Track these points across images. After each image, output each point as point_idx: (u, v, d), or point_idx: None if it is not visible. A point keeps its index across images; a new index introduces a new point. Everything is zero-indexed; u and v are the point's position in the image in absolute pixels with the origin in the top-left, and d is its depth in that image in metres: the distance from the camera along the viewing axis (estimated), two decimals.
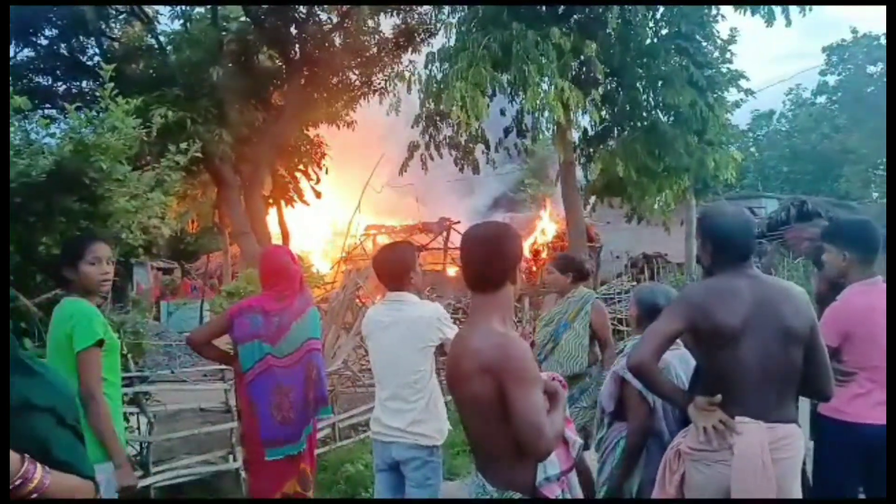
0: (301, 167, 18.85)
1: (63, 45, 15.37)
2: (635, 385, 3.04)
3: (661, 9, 12.97)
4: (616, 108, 13.61)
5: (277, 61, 16.88)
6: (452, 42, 12.31)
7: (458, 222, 21.20)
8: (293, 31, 16.14)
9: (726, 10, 13.86)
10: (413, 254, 3.68)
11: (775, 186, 36.90)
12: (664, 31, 13.52)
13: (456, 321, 10.03)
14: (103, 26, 15.54)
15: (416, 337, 3.46)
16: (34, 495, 1.40)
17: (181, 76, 13.77)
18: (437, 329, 3.46)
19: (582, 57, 11.85)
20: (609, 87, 13.54)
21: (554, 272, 4.87)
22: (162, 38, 15.75)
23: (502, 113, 14.04)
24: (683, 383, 2.91)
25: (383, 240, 20.47)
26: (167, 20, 15.84)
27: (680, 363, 3.06)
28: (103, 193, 4.27)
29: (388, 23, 16.67)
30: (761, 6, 11.58)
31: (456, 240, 20.57)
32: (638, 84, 13.30)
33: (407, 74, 14.67)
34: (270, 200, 18.56)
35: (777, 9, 11.49)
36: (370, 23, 16.48)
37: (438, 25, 15.20)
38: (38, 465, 1.43)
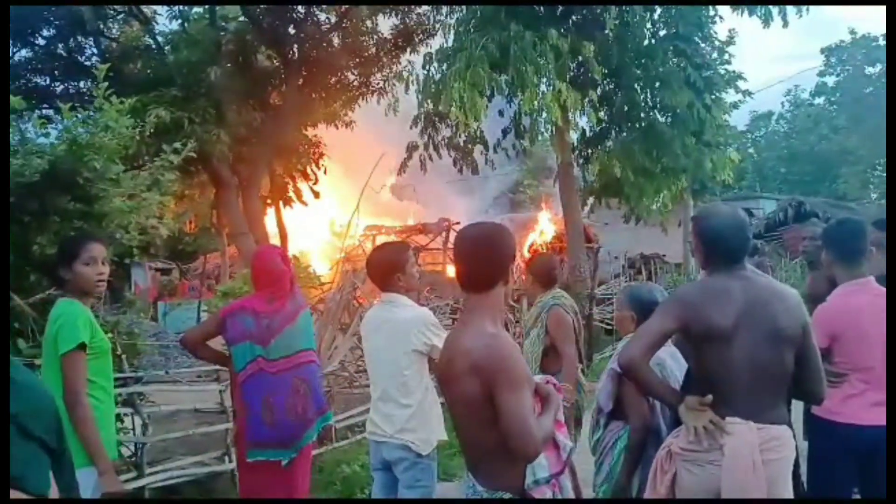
0: (299, 167, 18.84)
1: (61, 46, 15.36)
2: None
3: (659, 10, 12.97)
4: (614, 109, 13.61)
5: (275, 61, 16.86)
6: (451, 43, 12.30)
7: (458, 223, 21.18)
8: (291, 31, 16.13)
9: (724, 11, 13.88)
10: (403, 254, 3.61)
11: (773, 187, 36.96)
12: (662, 33, 13.53)
13: (454, 321, 10.06)
14: (101, 26, 15.54)
15: (400, 340, 3.43)
16: None
17: (179, 76, 13.75)
18: (422, 334, 3.40)
19: (580, 58, 11.85)
20: (607, 88, 13.55)
21: (528, 276, 4.85)
22: (160, 39, 15.75)
23: (500, 114, 14.04)
24: (677, 380, 2.90)
25: (382, 240, 20.47)
26: (165, 20, 15.85)
27: (673, 360, 3.06)
28: (98, 193, 4.27)
29: (386, 23, 16.68)
30: (758, 7, 11.58)
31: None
32: (636, 85, 13.30)
33: (405, 75, 14.69)
34: (268, 201, 18.55)
35: (774, 10, 11.49)
36: (368, 23, 16.47)
37: (437, 26, 15.19)
38: None
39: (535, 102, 11.06)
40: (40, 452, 1.45)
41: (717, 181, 14.70)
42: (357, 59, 16.68)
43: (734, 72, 15.30)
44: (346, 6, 15.86)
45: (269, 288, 3.62)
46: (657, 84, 12.80)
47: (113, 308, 6.29)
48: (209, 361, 4.19)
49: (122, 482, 3.14)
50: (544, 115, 11.53)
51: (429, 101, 12.21)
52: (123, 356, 4.65)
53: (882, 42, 34.79)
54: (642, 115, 13.53)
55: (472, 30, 11.90)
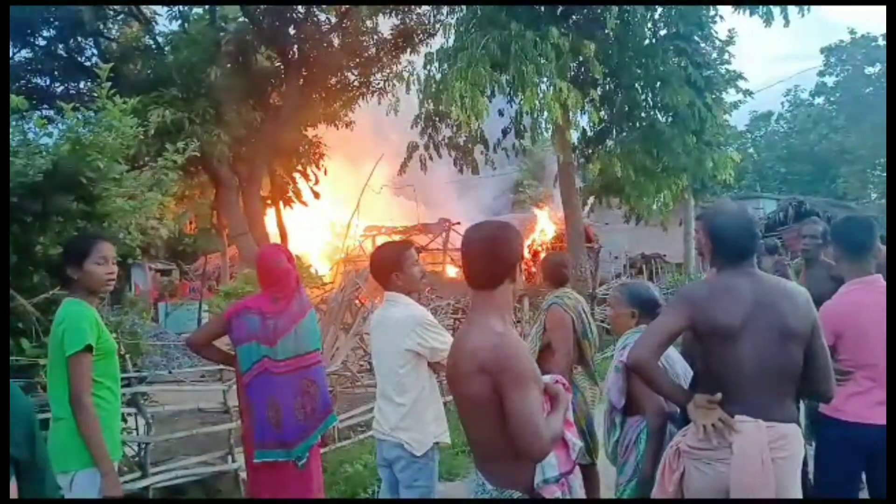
0: (299, 168, 18.85)
1: (61, 46, 15.37)
2: None
3: (660, 9, 12.98)
4: (614, 108, 13.62)
5: (276, 62, 16.88)
6: (451, 42, 12.29)
7: (458, 223, 21.21)
8: (291, 31, 16.14)
9: (725, 10, 13.90)
10: (402, 254, 3.58)
11: (773, 187, 36.97)
12: (662, 32, 13.53)
13: (455, 321, 10.06)
14: (101, 27, 15.54)
15: (394, 339, 3.43)
16: None
17: (179, 76, 13.76)
18: (415, 334, 3.38)
19: (580, 57, 11.85)
20: (607, 88, 13.55)
21: (539, 275, 4.83)
22: (160, 39, 15.76)
23: (501, 113, 14.03)
24: (676, 375, 2.90)
25: (382, 240, 20.47)
26: (165, 21, 15.86)
27: (677, 356, 3.05)
28: (100, 193, 4.26)
29: (386, 23, 16.69)
30: (759, 7, 11.58)
31: (455, 240, 20.58)
32: (636, 84, 13.31)
33: (406, 75, 14.69)
34: (269, 201, 18.56)
35: (776, 9, 11.49)
36: (369, 23, 16.49)
37: (437, 26, 15.20)
38: None
39: (536, 102, 11.06)
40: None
41: (718, 181, 14.70)
42: (357, 60, 16.70)
43: (734, 71, 15.36)
44: (346, 7, 15.87)
45: (274, 287, 3.61)
46: (658, 83, 12.81)
47: (114, 309, 6.28)
48: (216, 362, 4.18)
49: (126, 482, 3.12)
50: (545, 114, 11.52)
51: (430, 100, 12.20)
52: (127, 356, 4.63)
53: (881, 42, 34.82)
54: (643, 114, 13.54)
55: (472, 29, 11.89)
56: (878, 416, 3.04)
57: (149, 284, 20.16)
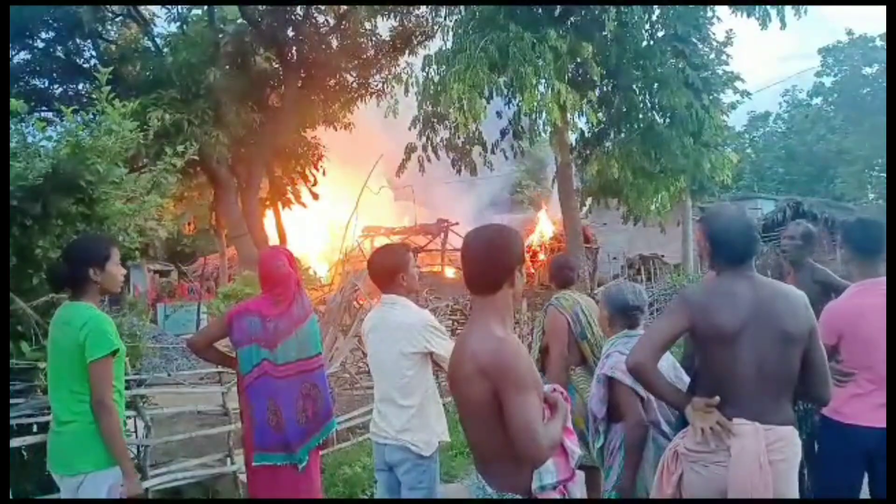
0: (298, 169, 18.86)
1: (59, 48, 15.38)
2: (626, 382, 3.05)
3: (658, 11, 13.00)
4: (612, 109, 13.64)
5: (274, 63, 16.88)
6: (450, 45, 12.31)
7: (456, 224, 21.23)
8: (290, 33, 16.16)
9: (722, 12, 13.93)
10: (402, 256, 3.58)
11: (771, 187, 37.04)
12: (660, 34, 13.56)
13: (454, 322, 10.07)
14: (100, 28, 15.54)
15: (398, 342, 3.42)
16: None
17: (178, 78, 13.76)
18: (421, 337, 3.38)
19: (578, 59, 11.87)
20: (605, 89, 13.58)
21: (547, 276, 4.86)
22: (159, 41, 15.75)
23: (499, 115, 14.06)
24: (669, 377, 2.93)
25: (381, 241, 20.48)
26: (164, 22, 15.86)
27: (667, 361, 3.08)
28: (100, 196, 4.26)
29: (384, 25, 16.70)
30: (756, 8, 11.60)
31: (453, 241, 20.61)
32: (634, 86, 13.34)
33: (404, 77, 14.70)
34: (267, 202, 18.57)
35: (773, 11, 11.52)
36: (367, 25, 16.50)
37: (435, 28, 15.21)
38: None
39: (535, 103, 11.07)
40: None
41: (716, 181, 14.73)
42: (355, 61, 16.71)
43: (732, 72, 15.37)
44: (345, 9, 15.88)
45: (275, 290, 3.61)
46: (656, 85, 12.84)
47: (112, 310, 6.28)
48: (217, 364, 4.19)
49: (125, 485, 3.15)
50: (543, 115, 11.54)
51: (428, 102, 12.22)
52: (126, 359, 4.63)
53: (879, 43, 34.91)
54: (641, 115, 13.57)
55: (471, 31, 11.91)
56: (879, 419, 3.04)
57: (147, 286, 20.15)
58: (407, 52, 16.66)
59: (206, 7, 15.50)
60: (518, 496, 2.13)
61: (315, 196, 19.30)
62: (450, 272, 19.88)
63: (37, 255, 4.08)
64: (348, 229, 19.86)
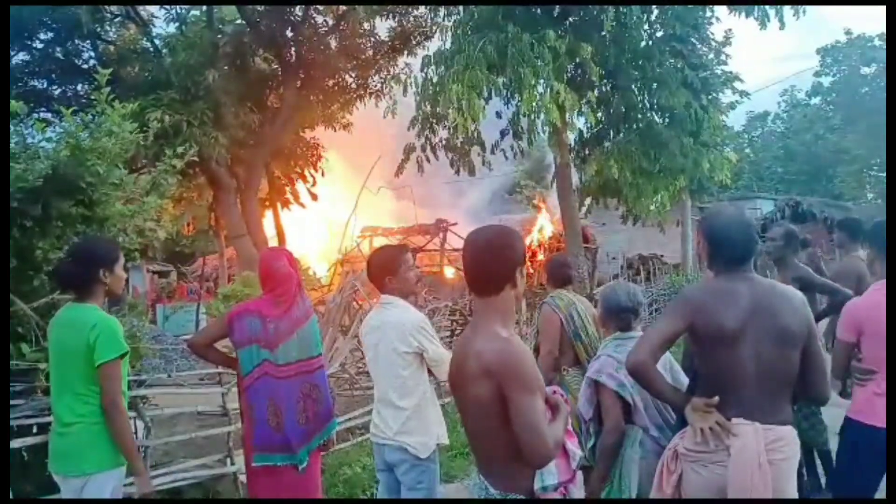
0: (297, 170, 18.86)
1: (58, 49, 15.36)
2: (610, 386, 3.07)
3: (656, 11, 13.00)
4: (611, 110, 13.64)
5: (273, 64, 16.88)
6: (448, 45, 12.31)
7: (455, 224, 21.23)
8: (289, 33, 16.15)
9: (721, 12, 13.92)
10: (396, 257, 3.60)
11: (770, 187, 37.09)
12: (659, 34, 13.56)
13: (453, 322, 10.05)
14: (98, 29, 15.52)
15: (392, 341, 3.46)
16: None
17: (177, 79, 13.74)
18: (413, 338, 3.41)
19: (577, 60, 11.86)
20: (604, 90, 13.57)
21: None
22: (157, 42, 15.73)
23: (498, 115, 14.05)
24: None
25: (380, 241, 20.49)
26: (162, 23, 15.83)
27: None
28: (100, 197, 4.27)
29: (383, 26, 16.70)
30: (754, 8, 11.61)
31: (453, 241, 20.61)
32: (633, 86, 13.34)
33: (403, 77, 14.69)
34: (266, 203, 18.56)
35: (771, 11, 11.52)
36: (366, 25, 16.50)
37: (434, 28, 15.20)
38: None
39: (534, 103, 11.07)
40: None
41: (715, 181, 14.74)
42: (354, 62, 16.70)
43: (731, 72, 15.37)
44: (344, 9, 15.88)
45: (276, 290, 3.61)
46: (654, 85, 12.84)
47: (112, 311, 6.28)
48: (217, 364, 4.19)
49: (124, 486, 3.17)
50: (542, 116, 11.54)
51: (427, 103, 12.21)
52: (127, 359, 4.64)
53: (877, 42, 34.97)
54: (640, 115, 13.56)
55: (469, 32, 11.91)
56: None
57: (147, 286, 20.15)
58: (406, 52, 16.66)
59: (204, 8, 15.49)
60: (521, 496, 2.14)
61: (314, 196, 19.31)
62: (449, 272, 19.88)
63: (37, 256, 4.09)
64: (347, 229, 19.89)
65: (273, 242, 17.22)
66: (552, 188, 16.72)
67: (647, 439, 3.09)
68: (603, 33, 11.99)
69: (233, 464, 5.12)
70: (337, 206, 21.72)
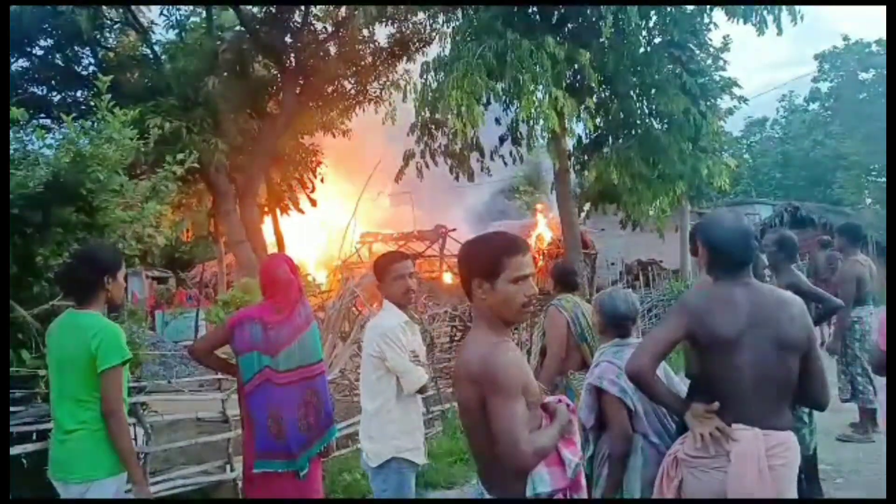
0: (296, 176, 18.88)
1: (58, 55, 15.38)
2: (612, 392, 3.06)
3: (655, 17, 13.03)
4: (610, 115, 13.65)
5: (272, 70, 16.92)
6: (447, 51, 12.34)
7: (454, 229, 21.23)
8: (288, 40, 16.19)
9: (719, 18, 13.95)
10: (384, 266, 3.64)
11: (768, 192, 37.14)
12: (657, 40, 13.59)
13: (452, 328, 10.03)
14: (98, 36, 15.55)
15: (368, 345, 3.56)
16: None
17: (176, 86, 13.77)
18: (376, 344, 3.47)
19: (576, 66, 11.90)
20: (603, 96, 13.59)
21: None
22: (157, 48, 15.77)
23: (497, 121, 14.08)
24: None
25: (379, 247, 20.48)
26: (162, 29, 15.88)
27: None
28: (100, 204, 4.28)
29: (382, 32, 16.75)
30: (752, 14, 11.64)
31: (452, 247, 20.60)
32: (631, 92, 13.36)
33: (402, 83, 14.72)
34: (266, 209, 18.57)
35: (769, 17, 11.56)
36: (365, 32, 16.54)
37: (433, 35, 15.25)
38: None
39: (533, 109, 11.09)
40: None
41: (714, 187, 14.75)
42: (353, 68, 16.74)
43: (729, 78, 15.42)
44: (343, 15, 15.92)
45: (277, 297, 3.62)
46: (653, 91, 12.86)
47: (110, 318, 6.28)
48: (218, 371, 4.20)
49: (130, 491, 3.18)
50: (541, 121, 11.56)
51: (426, 109, 12.24)
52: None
53: (875, 48, 35.09)
54: (638, 121, 13.59)
55: (468, 38, 11.94)
56: None
57: (146, 292, 20.13)
58: (405, 58, 16.71)
59: (204, 14, 15.53)
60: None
61: (313, 202, 19.32)
62: (448, 278, 19.87)
63: (37, 263, 4.10)
64: (346, 235, 19.87)
65: (272, 248, 17.22)
66: (552, 193, 16.73)
67: (647, 446, 3.09)
68: (601, 39, 12.03)
69: (232, 470, 5.11)
70: (336, 212, 21.72)
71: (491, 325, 2.20)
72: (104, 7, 14.66)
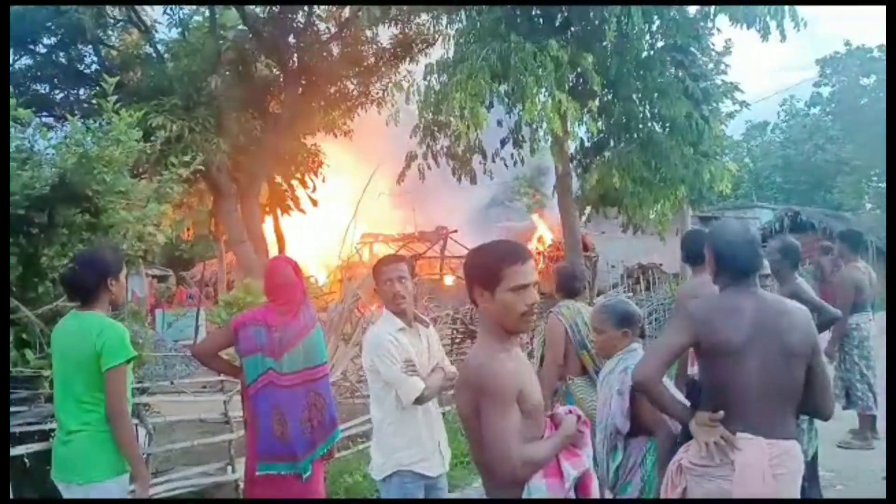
0: (298, 176, 18.88)
1: (61, 54, 15.40)
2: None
3: (658, 21, 13.04)
4: (612, 119, 13.66)
5: (275, 70, 16.92)
6: (451, 54, 12.35)
7: (455, 231, 21.23)
8: (291, 40, 16.19)
9: (721, 22, 13.94)
10: (378, 269, 3.54)
11: (769, 196, 37.11)
12: (660, 44, 13.59)
13: (453, 331, 10.02)
14: (101, 35, 15.57)
15: (363, 358, 3.59)
16: None
17: (179, 85, 13.78)
18: (370, 358, 3.41)
19: (579, 69, 11.90)
20: (605, 99, 13.59)
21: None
22: (160, 47, 15.78)
23: (499, 124, 14.08)
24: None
25: (380, 248, 20.49)
26: (165, 29, 15.91)
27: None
28: (105, 205, 4.28)
29: (385, 33, 16.76)
30: (756, 20, 11.65)
31: (453, 248, 20.61)
32: (634, 96, 13.36)
33: (405, 84, 14.71)
34: (267, 209, 18.58)
35: (772, 22, 11.56)
36: (368, 33, 16.55)
37: (436, 36, 15.24)
38: None
39: (535, 112, 11.10)
40: None
41: (715, 191, 14.75)
42: (356, 69, 16.75)
43: (731, 82, 15.42)
44: (346, 16, 15.93)
45: (281, 299, 3.63)
46: (655, 95, 12.86)
47: (112, 317, 6.28)
48: (222, 373, 4.20)
49: (131, 492, 3.19)
50: (544, 124, 11.57)
51: (429, 111, 12.24)
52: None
53: (876, 54, 35.10)
54: (640, 125, 13.58)
55: (472, 41, 11.95)
56: None
57: (146, 291, 20.10)
58: (408, 60, 16.73)
59: (206, 13, 15.53)
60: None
61: (314, 203, 19.32)
62: (449, 280, 19.88)
63: (42, 263, 4.10)
64: (346, 236, 19.87)
65: (273, 248, 17.21)
66: (553, 196, 16.73)
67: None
68: (604, 43, 12.03)
69: (234, 472, 5.12)
70: (337, 212, 21.71)
71: (494, 334, 2.20)
72: (107, 6, 14.67)
